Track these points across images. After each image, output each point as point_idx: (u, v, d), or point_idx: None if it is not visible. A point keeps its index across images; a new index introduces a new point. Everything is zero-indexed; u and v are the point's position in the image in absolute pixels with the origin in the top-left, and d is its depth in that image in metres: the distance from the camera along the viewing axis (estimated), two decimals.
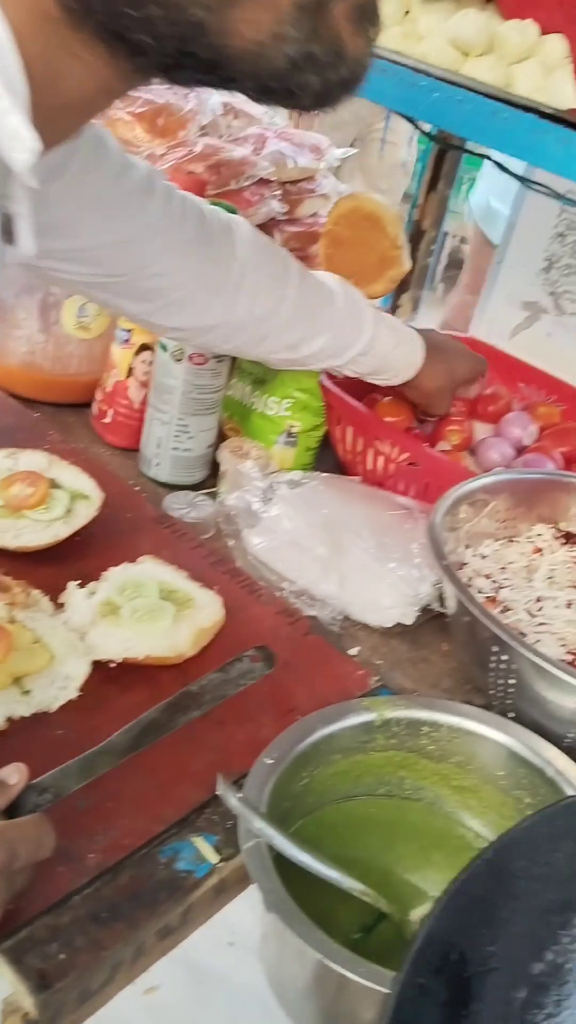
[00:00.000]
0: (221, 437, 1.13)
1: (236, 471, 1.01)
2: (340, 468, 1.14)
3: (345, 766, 0.77)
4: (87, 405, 1.19)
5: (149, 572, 0.90)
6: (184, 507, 1.04)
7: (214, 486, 1.12)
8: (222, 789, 0.67)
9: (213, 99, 1.30)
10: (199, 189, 1.02)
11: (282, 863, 0.65)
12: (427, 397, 1.07)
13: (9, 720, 0.75)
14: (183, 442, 1.07)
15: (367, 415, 1.06)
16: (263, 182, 1.25)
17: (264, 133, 1.31)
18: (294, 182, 1.31)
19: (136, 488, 1.07)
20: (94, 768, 0.68)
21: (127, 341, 1.09)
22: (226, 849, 0.72)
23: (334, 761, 0.76)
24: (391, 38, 0.97)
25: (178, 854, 0.71)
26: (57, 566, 0.91)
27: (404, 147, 2.67)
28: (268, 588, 0.96)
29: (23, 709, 0.75)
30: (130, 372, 1.10)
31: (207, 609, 0.87)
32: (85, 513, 0.94)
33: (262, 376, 1.12)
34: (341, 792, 0.78)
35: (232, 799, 0.66)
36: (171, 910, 0.68)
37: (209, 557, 0.98)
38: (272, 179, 1.26)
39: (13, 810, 0.64)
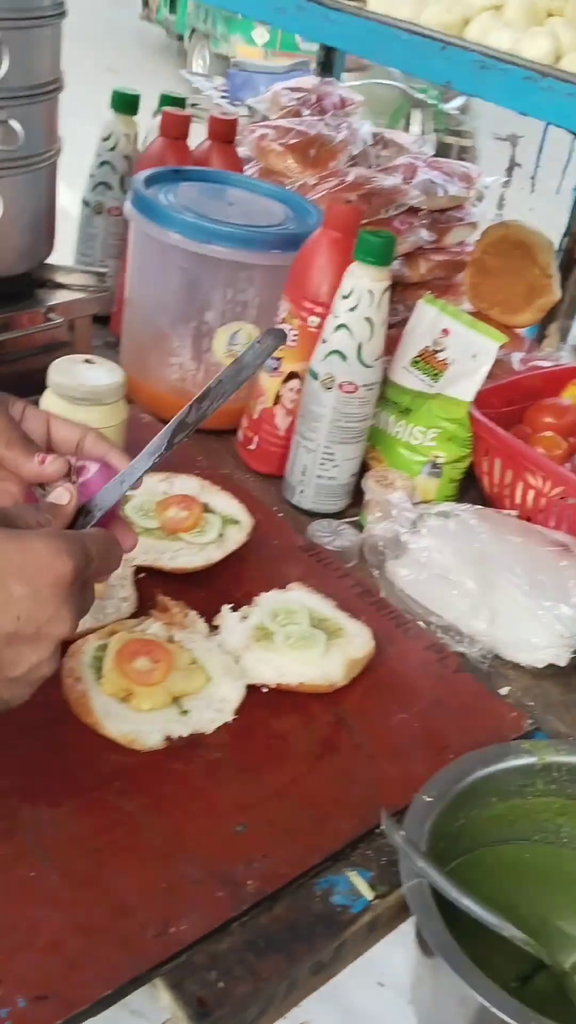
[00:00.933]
0: (363, 466, 1.13)
1: (383, 500, 1.01)
2: (484, 501, 1.12)
3: (502, 809, 0.75)
4: (231, 431, 1.21)
5: (299, 599, 0.90)
6: (328, 535, 1.04)
7: (355, 515, 1.12)
8: (387, 826, 0.66)
9: (364, 129, 1.31)
10: (355, 218, 1.03)
11: (439, 904, 0.64)
12: None
13: (168, 739, 0.75)
14: (328, 470, 1.07)
15: (519, 447, 1.04)
16: (412, 211, 1.25)
17: (414, 162, 1.31)
18: (442, 210, 1.31)
19: (280, 515, 1.08)
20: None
21: (276, 369, 1.10)
22: (381, 886, 0.71)
23: (491, 804, 0.74)
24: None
25: (333, 887, 0.70)
26: (208, 589, 0.92)
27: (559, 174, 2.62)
28: (414, 621, 0.95)
29: (181, 729, 0.76)
30: (277, 400, 1.11)
31: (357, 640, 0.86)
32: (236, 538, 0.95)
33: (408, 405, 1.12)
34: (496, 836, 0.76)
35: (396, 837, 0.65)
36: (326, 945, 0.67)
37: (355, 587, 0.97)
38: (422, 207, 1.26)
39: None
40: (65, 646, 0.60)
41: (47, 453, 0.63)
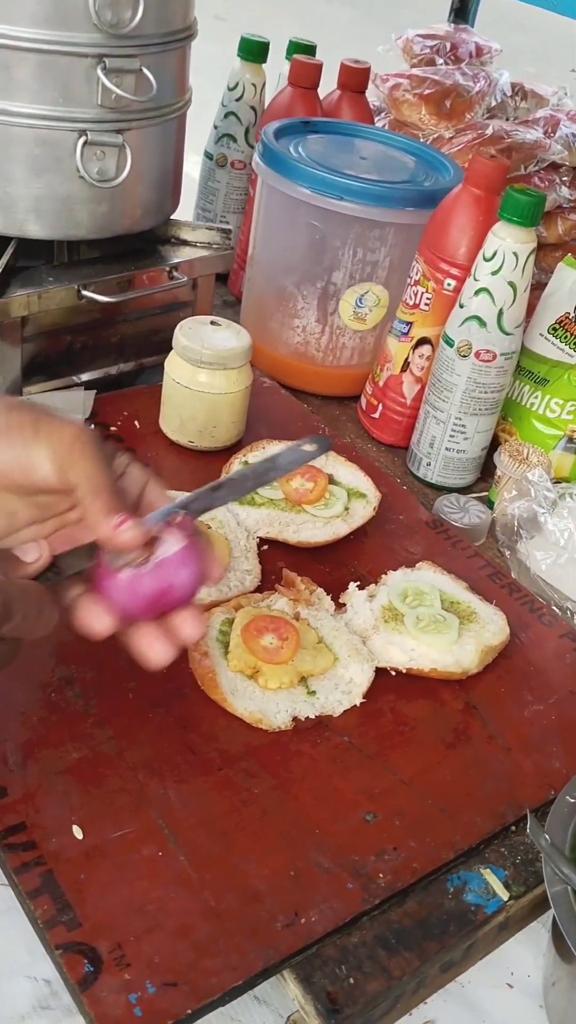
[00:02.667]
0: (493, 440, 1.07)
1: (520, 477, 0.95)
2: None
3: None
4: (353, 398, 1.17)
5: (429, 580, 0.86)
6: (456, 511, 0.99)
7: (483, 491, 1.07)
8: (532, 828, 0.62)
9: (503, 79, 1.24)
10: (500, 175, 0.97)
11: None
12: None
13: (295, 720, 0.73)
14: (458, 443, 1.03)
15: None
16: (553, 167, 1.18)
17: (555, 115, 1.23)
18: None
19: (403, 488, 1.03)
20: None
21: (405, 334, 1.05)
22: (516, 886, 0.67)
23: None
24: None
25: (466, 885, 0.67)
26: (332, 564, 0.89)
27: None
28: (549, 607, 0.90)
29: (309, 710, 0.74)
30: (406, 366, 1.06)
31: (492, 626, 0.82)
32: (362, 513, 0.91)
33: (545, 375, 1.06)
34: None
35: (542, 840, 0.62)
36: (458, 944, 0.65)
37: (485, 568, 0.92)
38: (563, 163, 1.18)
39: None
40: None
41: (131, 516, 0.53)
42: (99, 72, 0.91)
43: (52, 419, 0.54)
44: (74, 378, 1.07)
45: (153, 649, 0.56)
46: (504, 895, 0.67)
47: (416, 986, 0.65)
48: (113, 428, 1.00)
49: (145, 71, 0.94)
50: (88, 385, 1.07)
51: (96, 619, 0.54)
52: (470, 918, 0.65)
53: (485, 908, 0.66)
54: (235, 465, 0.94)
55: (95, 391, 1.04)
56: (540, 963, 0.71)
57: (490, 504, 1.02)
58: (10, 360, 1.01)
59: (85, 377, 1.08)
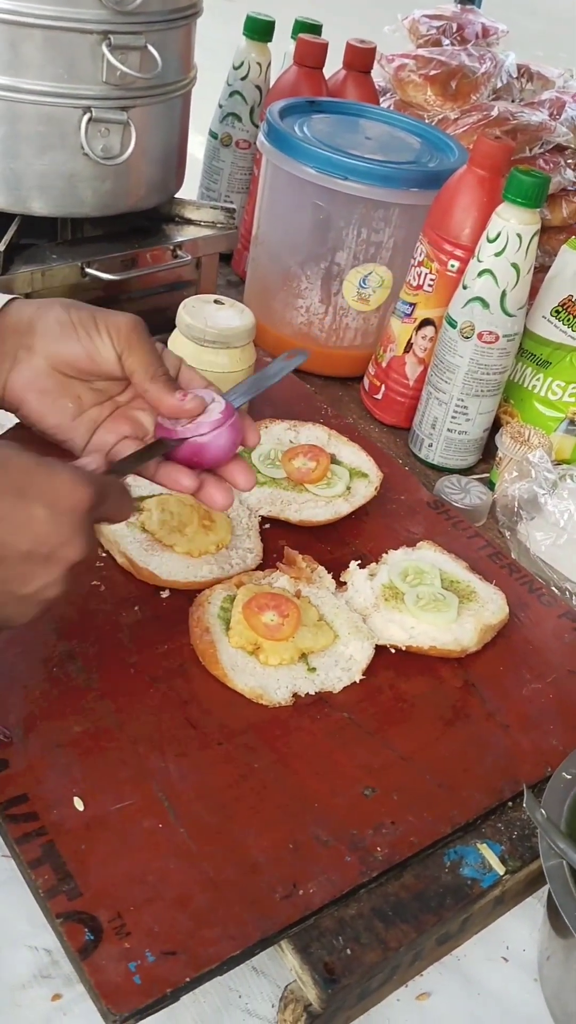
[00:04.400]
0: (494, 421, 1.08)
1: (522, 458, 0.96)
2: None
3: None
4: (356, 379, 1.17)
5: (429, 559, 0.86)
6: (457, 492, 1.00)
7: (484, 472, 1.07)
8: (529, 803, 0.63)
9: (508, 60, 1.23)
10: (505, 156, 0.96)
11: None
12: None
13: (295, 696, 0.74)
14: (460, 424, 1.03)
15: None
16: (558, 149, 1.17)
17: (561, 97, 1.22)
18: None
19: (405, 468, 1.04)
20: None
21: (409, 315, 1.05)
22: (512, 861, 0.68)
23: None
24: None
25: (463, 859, 0.68)
26: (334, 543, 0.89)
27: None
28: (548, 587, 0.90)
29: (309, 686, 0.74)
30: (409, 347, 1.06)
31: (491, 605, 0.82)
32: (364, 492, 0.92)
33: (547, 358, 1.06)
34: None
35: (538, 815, 0.62)
36: (454, 917, 0.65)
37: (485, 548, 0.93)
38: (568, 146, 1.18)
39: None
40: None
41: (188, 391, 0.66)
42: (104, 49, 0.91)
43: (109, 313, 0.65)
44: None
45: (219, 495, 0.66)
46: (500, 870, 0.67)
47: (412, 958, 0.66)
48: None
49: (150, 48, 0.94)
50: None
51: (182, 477, 0.65)
52: (466, 892, 0.66)
53: (481, 882, 0.66)
54: None
55: None
56: (535, 937, 0.72)
57: (491, 485, 1.03)
58: None
59: None
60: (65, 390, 0.65)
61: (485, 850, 0.69)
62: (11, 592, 0.56)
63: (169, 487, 0.66)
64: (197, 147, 1.34)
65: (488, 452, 1.08)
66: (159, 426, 0.66)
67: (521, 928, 0.72)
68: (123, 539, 0.81)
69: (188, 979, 0.56)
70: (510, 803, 0.71)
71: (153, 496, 0.85)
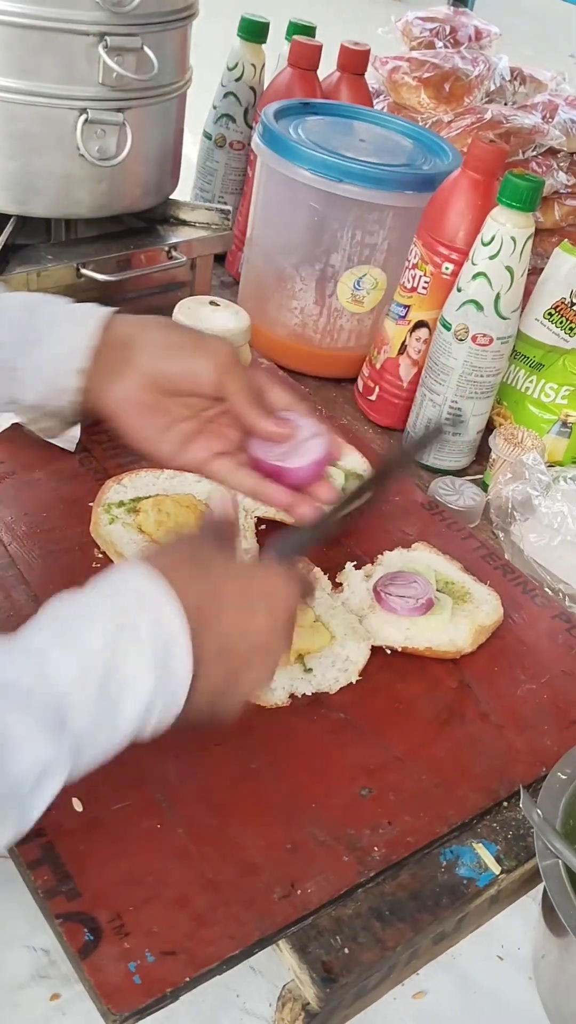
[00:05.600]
0: (488, 423, 1.08)
1: (516, 460, 0.96)
2: None
3: None
4: (350, 380, 1.17)
5: (424, 560, 0.87)
6: (451, 493, 1.00)
7: (478, 473, 1.08)
8: (525, 803, 0.63)
9: (501, 63, 1.24)
10: (499, 159, 0.97)
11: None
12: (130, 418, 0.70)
13: (292, 697, 0.74)
14: (454, 426, 1.03)
15: None
16: (551, 152, 1.18)
17: (554, 100, 1.23)
18: None
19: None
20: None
21: (403, 317, 1.06)
22: (507, 861, 0.69)
23: None
24: None
25: (459, 859, 0.68)
26: (330, 545, 0.90)
27: None
28: (541, 588, 0.91)
29: (306, 687, 0.75)
30: (403, 349, 1.07)
31: (486, 606, 0.83)
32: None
33: (540, 360, 1.06)
34: None
35: (534, 814, 0.63)
36: (450, 916, 0.66)
37: (479, 549, 0.93)
38: (561, 149, 1.18)
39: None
40: None
41: (279, 417, 0.70)
42: (100, 50, 0.91)
43: (209, 338, 0.69)
44: None
45: (309, 511, 0.69)
46: (496, 869, 0.68)
47: (409, 957, 0.66)
48: None
49: (146, 49, 0.94)
50: None
51: (280, 495, 0.69)
52: (462, 891, 0.66)
53: (477, 881, 0.67)
54: None
55: None
56: (530, 936, 0.73)
57: (484, 487, 1.03)
58: None
59: None
60: (159, 405, 0.68)
61: (481, 850, 0.69)
62: (233, 687, 0.58)
63: (267, 503, 0.70)
64: (191, 147, 1.34)
65: (482, 454, 1.08)
66: (252, 445, 0.70)
67: (516, 927, 0.73)
68: (120, 540, 0.81)
69: (188, 978, 0.57)
70: (505, 803, 0.72)
71: (149, 497, 0.85)
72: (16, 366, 0.67)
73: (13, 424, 0.92)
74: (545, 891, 0.63)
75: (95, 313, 0.68)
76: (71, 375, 0.66)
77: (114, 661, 0.52)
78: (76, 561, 0.82)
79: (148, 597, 0.54)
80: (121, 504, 0.85)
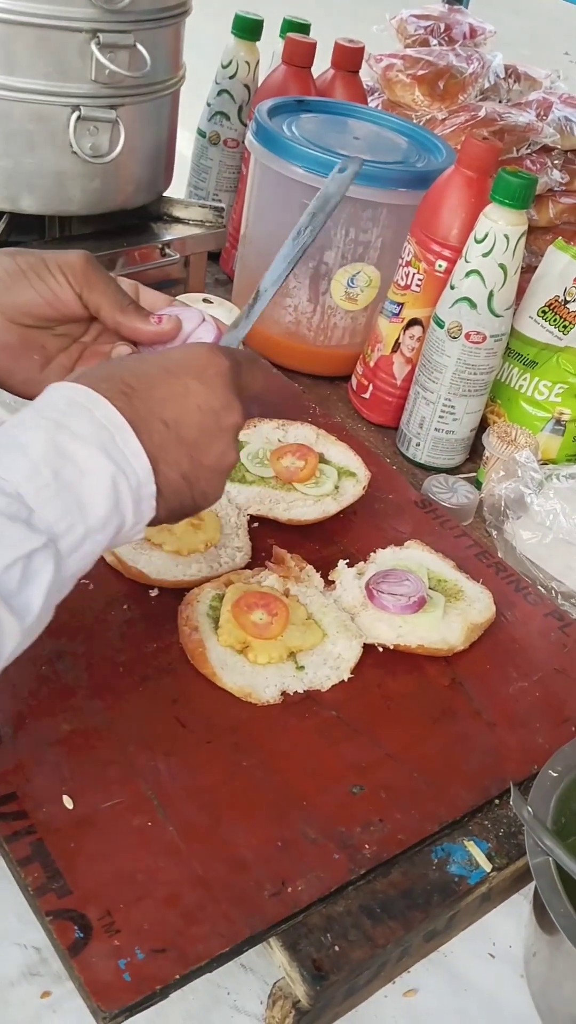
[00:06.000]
0: (481, 421, 1.08)
1: (509, 458, 0.96)
2: None
3: None
4: (343, 378, 1.17)
5: (417, 558, 0.87)
6: (444, 491, 1.00)
7: (471, 471, 1.08)
8: (516, 801, 0.63)
9: (496, 61, 1.23)
10: (492, 157, 0.97)
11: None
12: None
13: (284, 694, 0.74)
14: (447, 423, 1.03)
15: None
16: (545, 150, 1.18)
17: (547, 98, 1.23)
18: (575, 151, 1.23)
19: (392, 467, 1.04)
20: None
21: (396, 315, 1.05)
22: (499, 858, 0.69)
23: None
24: None
25: (450, 856, 0.68)
26: (322, 542, 0.90)
27: None
28: (534, 586, 0.91)
29: (297, 685, 0.75)
30: (396, 347, 1.07)
31: (478, 604, 0.83)
32: (352, 491, 0.92)
33: (534, 358, 1.06)
34: None
35: (525, 812, 0.63)
36: (441, 914, 0.66)
37: (472, 547, 0.93)
38: (555, 147, 1.18)
39: None
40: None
41: (159, 314, 0.66)
42: (93, 47, 0.91)
43: (57, 253, 0.63)
44: None
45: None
46: (487, 867, 0.68)
47: (400, 955, 0.66)
48: None
49: (139, 47, 0.94)
50: None
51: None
52: (453, 889, 0.66)
53: (468, 879, 0.67)
54: None
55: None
56: (521, 934, 0.73)
57: (478, 485, 1.03)
58: None
59: None
60: (28, 342, 0.63)
61: (472, 847, 0.69)
62: (200, 464, 0.57)
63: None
64: (185, 144, 1.34)
65: (475, 452, 1.08)
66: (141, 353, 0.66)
67: (507, 925, 0.73)
68: None
69: (178, 976, 0.57)
70: (496, 801, 0.72)
71: None
72: None
73: None
74: (536, 889, 0.63)
75: None
76: None
77: (62, 456, 0.51)
78: None
79: (77, 399, 0.53)
80: None
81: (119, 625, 0.77)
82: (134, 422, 0.54)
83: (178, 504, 0.57)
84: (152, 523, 0.57)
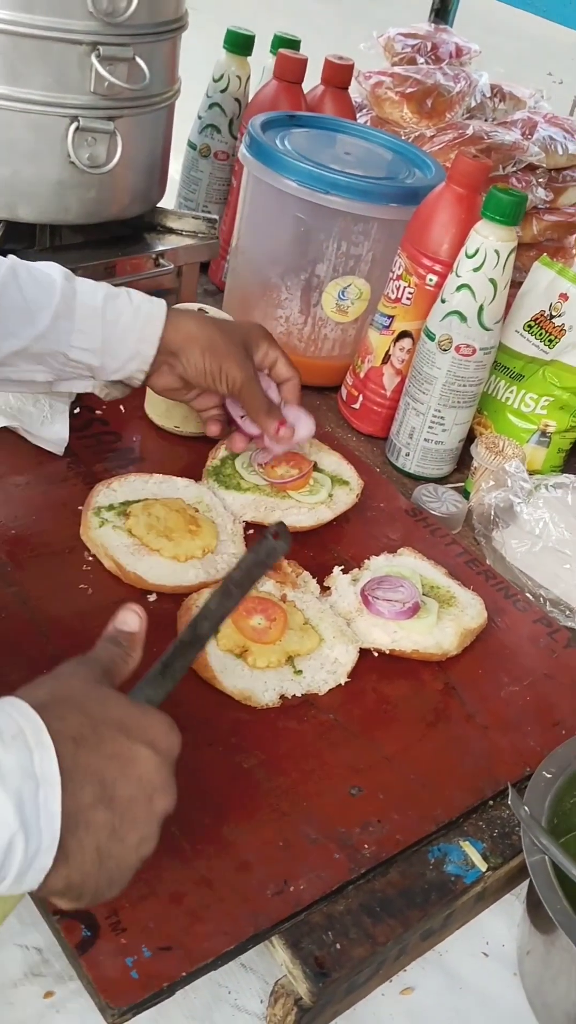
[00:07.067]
0: (469, 432, 1.10)
1: (498, 468, 0.98)
2: None
3: None
4: (333, 389, 1.19)
5: (410, 565, 0.88)
6: (434, 500, 1.02)
7: (459, 481, 1.10)
8: (513, 801, 0.65)
9: (482, 80, 1.26)
10: (483, 174, 0.99)
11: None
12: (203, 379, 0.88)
13: (282, 698, 0.75)
14: (436, 434, 1.05)
15: None
16: (530, 168, 1.21)
17: (532, 117, 1.26)
18: (559, 169, 1.26)
19: (383, 476, 1.06)
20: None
21: (387, 327, 1.07)
22: (494, 858, 0.70)
23: None
24: None
25: (446, 856, 0.70)
26: (316, 549, 0.91)
27: None
28: (523, 593, 0.93)
29: (296, 688, 0.76)
30: (386, 359, 1.09)
31: (471, 610, 0.85)
32: (346, 499, 0.94)
33: (520, 371, 1.09)
34: None
35: (522, 812, 0.65)
36: (438, 913, 0.67)
37: (462, 555, 0.95)
38: (540, 165, 1.21)
39: None
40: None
41: (284, 423, 0.90)
42: (93, 59, 0.92)
43: (230, 364, 0.86)
44: None
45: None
46: (482, 866, 0.69)
47: (398, 953, 0.68)
48: (99, 412, 1.01)
49: (138, 60, 0.95)
50: None
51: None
52: (450, 888, 0.68)
53: (464, 878, 0.68)
54: (221, 452, 0.96)
55: None
56: (515, 933, 0.74)
57: (465, 494, 1.05)
58: None
59: None
60: (185, 390, 0.91)
61: (468, 847, 0.71)
62: (121, 839, 0.52)
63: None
64: (174, 156, 1.35)
65: (463, 462, 1.10)
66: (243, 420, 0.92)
67: (501, 925, 0.75)
68: (110, 543, 0.82)
69: (184, 973, 0.58)
70: (491, 802, 0.73)
71: (139, 501, 0.86)
72: (103, 363, 0.85)
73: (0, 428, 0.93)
74: (531, 887, 0.65)
75: (158, 315, 0.86)
76: (140, 374, 0.88)
77: None
78: (66, 564, 0.83)
79: (25, 730, 0.49)
80: (111, 508, 0.86)
81: None
82: (71, 774, 0.49)
83: (79, 879, 0.50)
84: (42, 892, 0.51)
